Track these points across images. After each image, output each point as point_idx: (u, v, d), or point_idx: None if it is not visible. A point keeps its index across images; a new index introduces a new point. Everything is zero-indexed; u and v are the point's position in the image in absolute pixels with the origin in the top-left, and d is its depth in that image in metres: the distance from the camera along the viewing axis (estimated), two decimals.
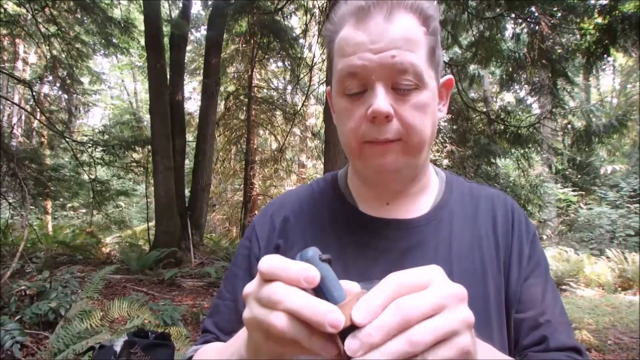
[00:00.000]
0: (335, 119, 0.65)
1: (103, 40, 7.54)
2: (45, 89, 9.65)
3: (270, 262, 0.36)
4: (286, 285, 0.34)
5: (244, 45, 9.06)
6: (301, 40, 8.26)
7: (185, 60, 9.65)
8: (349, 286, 0.36)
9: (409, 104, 0.56)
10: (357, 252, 0.63)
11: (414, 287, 0.33)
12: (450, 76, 0.66)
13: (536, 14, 4.69)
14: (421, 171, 0.66)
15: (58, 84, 7.73)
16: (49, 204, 10.75)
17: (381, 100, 0.55)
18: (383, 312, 0.32)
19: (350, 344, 0.31)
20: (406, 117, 0.56)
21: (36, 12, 6.38)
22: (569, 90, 5.94)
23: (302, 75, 8.08)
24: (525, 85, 6.04)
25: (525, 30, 5.13)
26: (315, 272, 0.34)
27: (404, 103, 0.56)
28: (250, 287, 0.39)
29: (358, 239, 0.64)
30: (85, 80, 10.22)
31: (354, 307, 0.32)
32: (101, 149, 7.79)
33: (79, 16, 7.15)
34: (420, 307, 0.32)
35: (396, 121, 0.56)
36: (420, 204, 0.67)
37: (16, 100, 11.38)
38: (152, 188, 8.05)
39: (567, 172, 6.71)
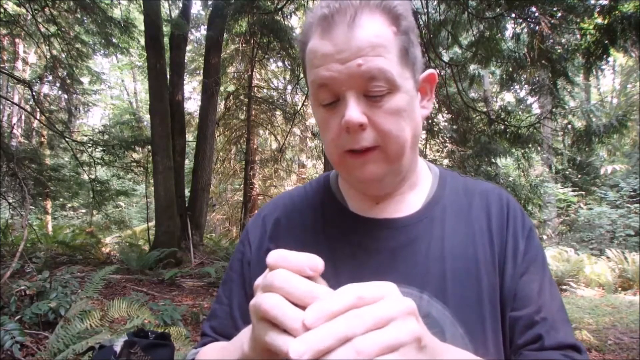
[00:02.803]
0: (319, 133, 0.66)
1: (103, 40, 7.52)
2: (45, 89, 9.64)
3: (275, 255, 0.38)
4: (288, 272, 0.36)
5: (244, 45, 9.05)
6: None
7: (185, 60, 9.64)
8: None
9: (383, 110, 0.55)
10: (347, 252, 0.63)
11: (368, 300, 0.34)
12: (431, 70, 0.64)
13: (536, 14, 4.68)
14: (408, 172, 0.65)
15: (58, 84, 7.72)
16: (49, 204, 10.75)
17: (352, 110, 0.54)
18: (336, 319, 0.33)
19: (296, 347, 0.31)
20: (381, 123, 0.56)
21: (36, 12, 6.38)
22: (569, 90, 5.94)
23: (302, 75, 8.08)
24: (525, 85, 6.03)
25: (525, 30, 5.13)
26: (318, 260, 0.37)
27: (377, 109, 0.55)
28: (259, 279, 0.40)
29: (348, 240, 0.64)
30: (85, 80, 10.22)
31: (307, 308, 0.33)
32: (101, 149, 7.79)
33: (79, 16, 7.14)
34: (370, 318, 0.33)
35: (371, 129, 0.56)
36: (411, 202, 0.66)
37: (16, 100, 11.38)
38: (152, 188, 8.05)
39: (567, 172, 6.71)
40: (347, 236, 0.64)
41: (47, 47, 6.91)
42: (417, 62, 0.60)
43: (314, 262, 0.36)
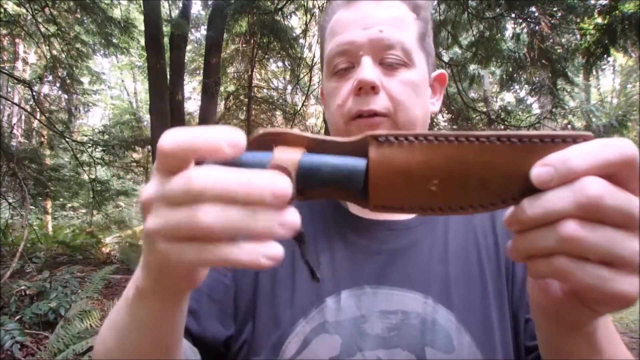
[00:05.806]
0: (324, 110, 0.65)
1: (103, 40, 7.52)
2: (45, 89, 9.65)
3: (174, 136, 0.27)
4: (202, 168, 0.26)
5: (244, 45, 9.04)
6: (301, 40, 8.25)
7: (185, 60, 9.64)
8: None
9: (397, 79, 0.56)
10: (346, 254, 0.61)
11: None
12: (442, 70, 0.65)
13: (536, 14, 4.68)
14: None
15: (58, 84, 7.72)
16: (49, 204, 10.74)
17: (367, 70, 0.54)
18: None
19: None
20: (393, 90, 0.56)
21: (36, 12, 6.37)
22: (569, 90, 5.93)
23: (302, 75, 8.08)
24: (525, 85, 6.04)
25: (525, 30, 5.13)
26: (238, 132, 0.26)
27: (391, 78, 0.56)
28: (149, 190, 0.29)
29: (348, 241, 0.62)
30: (85, 80, 10.20)
31: None
32: (101, 149, 7.79)
33: (79, 16, 7.14)
34: None
35: (384, 95, 0.56)
36: None
37: (16, 100, 11.37)
38: None
39: None
40: (346, 238, 0.62)
41: (47, 47, 6.90)
42: (431, 56, 0.62)
43: (233, 135, 0.26)
